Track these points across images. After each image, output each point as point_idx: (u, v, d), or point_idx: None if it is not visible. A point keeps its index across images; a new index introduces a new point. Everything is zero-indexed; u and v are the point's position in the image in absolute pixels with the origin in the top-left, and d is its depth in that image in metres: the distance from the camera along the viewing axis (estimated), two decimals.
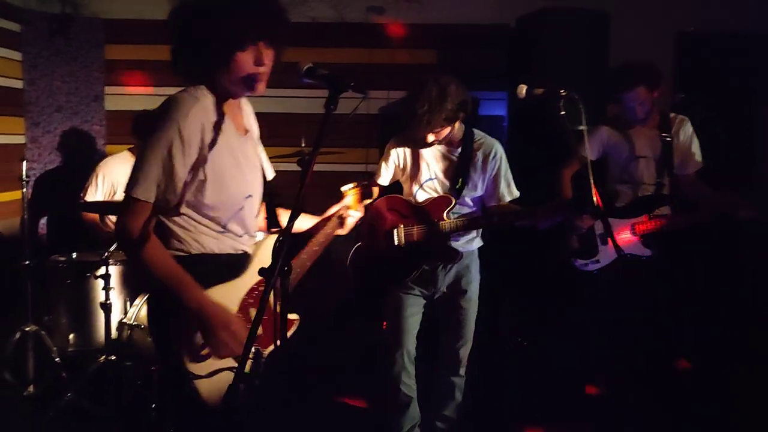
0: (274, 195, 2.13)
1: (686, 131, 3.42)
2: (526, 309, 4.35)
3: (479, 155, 2.90)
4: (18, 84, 4.58)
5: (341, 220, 2.46)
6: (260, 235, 2.12)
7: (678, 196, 3.39)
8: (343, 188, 2.60)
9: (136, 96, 4.86)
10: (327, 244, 2.33)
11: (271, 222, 2.14)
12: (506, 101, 4.88)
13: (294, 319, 2.17)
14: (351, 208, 2.51)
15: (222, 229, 1.89)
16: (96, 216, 3.82)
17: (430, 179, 2.94)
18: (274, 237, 2.03)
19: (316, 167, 1.63)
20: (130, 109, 4.53)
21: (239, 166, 1.91)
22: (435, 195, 2.91)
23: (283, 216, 2.18)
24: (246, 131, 2.01)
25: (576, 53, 4.17)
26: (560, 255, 3.46)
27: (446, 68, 4.71)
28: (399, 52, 4.97)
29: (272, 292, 1.49)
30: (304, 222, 2.41)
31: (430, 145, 2.90)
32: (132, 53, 4.89)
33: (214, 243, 1.89)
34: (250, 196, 1.95)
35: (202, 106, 1.81)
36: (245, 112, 2.06)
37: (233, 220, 1.90)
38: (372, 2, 4.90)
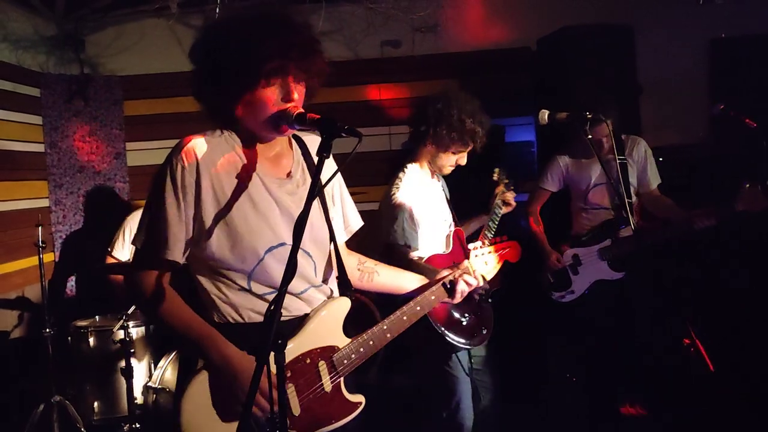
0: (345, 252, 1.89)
1: (640, 151, 3.45)
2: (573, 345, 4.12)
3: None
4: (39, 148, 4.59)
5: (451, 287, 2.00)
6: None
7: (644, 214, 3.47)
8: (471, 245, 2.08)
9: (157, 149, 4.83)
10: (423, 314, 1.91)
11: (343, 283, 1.82)
12: (534, 126, 4.70)
13: (356, 402, 1.78)
14: (468, 274, 2.02)
15: (244, 289, 1.65)
16: (120, 277, 3.74)
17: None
18: (341, 301, 1.79)
19: None
20: (152, 164, 4.50)
21: (265, 211, 1.66)
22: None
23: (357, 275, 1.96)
24: (289, 175, 1.74)
25: (601, 70, 4.00)
26: (541, 289, 3.58)
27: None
28: (419, 85, 4.83)
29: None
30: (408, 281, 2.01)
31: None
32: (150, 107, 4.88)
33: (244, 309, 1.67)
34: (282, 244, 1.66)
35: (204, 143, 1.64)
36: (300, 154, 1.81)
37: (255, 278, 1.65)
38: (386, 37, 4.79)
